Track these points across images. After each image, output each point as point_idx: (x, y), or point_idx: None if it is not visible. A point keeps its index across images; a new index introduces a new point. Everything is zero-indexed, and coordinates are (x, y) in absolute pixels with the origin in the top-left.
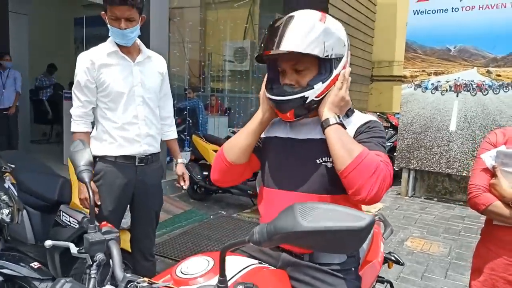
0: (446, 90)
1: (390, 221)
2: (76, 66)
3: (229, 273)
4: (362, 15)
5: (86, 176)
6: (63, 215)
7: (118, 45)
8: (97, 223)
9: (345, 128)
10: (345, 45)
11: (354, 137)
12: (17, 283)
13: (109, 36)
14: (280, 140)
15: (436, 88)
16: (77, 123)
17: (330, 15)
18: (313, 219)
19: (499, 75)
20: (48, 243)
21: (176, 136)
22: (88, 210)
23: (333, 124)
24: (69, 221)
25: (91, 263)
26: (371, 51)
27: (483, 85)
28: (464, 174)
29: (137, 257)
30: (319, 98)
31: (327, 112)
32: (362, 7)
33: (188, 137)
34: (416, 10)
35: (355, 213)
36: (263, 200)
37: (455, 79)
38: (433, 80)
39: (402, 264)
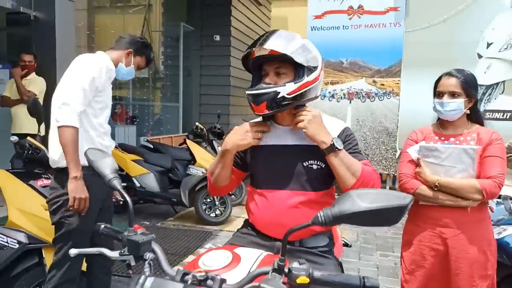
0: (341, 98)
1: None
2: (89, 62)
3: (248, 262)
4: (258, 27)
5: (117, 183)
6: None
7: None
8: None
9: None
10: (318, 62)
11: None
12: None
13: None
14: (270, 148)
15: (332, 96)
16: (75, 119)
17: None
18: (370, 201)
19: (383, 85)
20: (73, 251)
21: None
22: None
23: (332, 151)
24: (7, 242)
25: (134, 263)
26: None
27: (371, 93)
28: None
29: (96, 272)
30: (290, 96)
31: (322, 141)
32: (258, 20)
33: None
34: (313, 27)
35: (398, 194)
36: (255, 199)
37: (348, 88)
38: (330, 89)
39: (350, 246)
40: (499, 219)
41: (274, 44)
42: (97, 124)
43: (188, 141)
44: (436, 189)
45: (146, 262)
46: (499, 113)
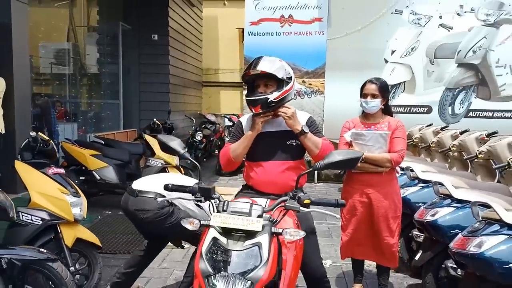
0: None
1: None
2: None
3: (262, 203)
4: (192, 27)
5: (188, 155)
6: (22, 215)
7: None
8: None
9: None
10: (291, 75)
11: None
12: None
13: None
14: (263, 133)
15: None
16: None
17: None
18: (342, 156)
19: (310, 84)
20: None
21: None
22: None
23: (304, 133)
24: (31, 220)
25: (204, 202)
26: (201, 59)
27: (301, 91)
28: None
29: None
30: (275, 100)
31: (297, 127)
32: (191, 20)
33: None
34: (250, 32)
35: (355, 152)
36: (253, 169)
37: None
38: None
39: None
40: (403, 183)
41: (263, 66)
42: None
43: (146, 135)
44: (362, 161)
45: (216, 198)
46: (401, 108)
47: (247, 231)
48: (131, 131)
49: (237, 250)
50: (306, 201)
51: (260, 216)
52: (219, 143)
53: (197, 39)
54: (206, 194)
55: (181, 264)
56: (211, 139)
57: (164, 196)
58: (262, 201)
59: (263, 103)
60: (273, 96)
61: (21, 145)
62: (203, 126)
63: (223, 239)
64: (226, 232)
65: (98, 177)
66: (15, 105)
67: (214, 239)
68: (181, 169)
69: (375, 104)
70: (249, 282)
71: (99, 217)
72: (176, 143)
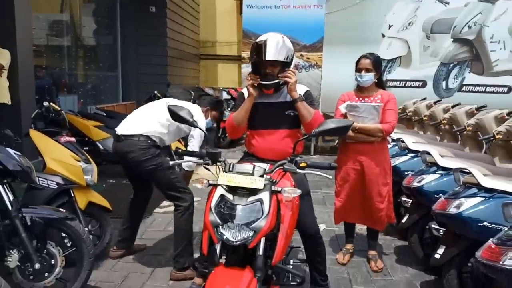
0: None
1: None
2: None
3: (263, 166)
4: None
5: (196, 123)
6: (39, 180)
7: None
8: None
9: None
10: (292, 52)
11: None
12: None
13: None
14: (260, 104)
15: None
16: None
17: None
18: (334, 124)
19: (308, 58)
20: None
21: None
22: None
23: (300, 100)
24: (47, 184)
25: (212, 165)
26: (198, 32)
27: (299, 65)
28: None
29: None
30: (283, 82)
31: (295, 94)
32: None
33: None
34: (249, 5)
35: (346, 120)
36: (255, 137)
37: None
38: None
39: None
40: (395, 153)
41: (271, 55)
42: None
43: None
44: (356, 131)
45: (223, 162)
46: (397, 82)
47: (250, 188)
48: (130, 103)
49: (242, 205)
50: (303, 164)
51: (261, 176)
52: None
53: (194, 11)
54: (213, 158)
55: None
56: None
57: (148, 137)
58: (263, 165)
59: (275, 86)
60: (283, 74)
61: (31, 115)
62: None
63: (229, 196)
64: (232, 189)
65: (101, 148)
66: (19, 77)
67: (222, 196)
68: (181, 140)
69: (369, 78)
70: (252, 231)
71: (104, 185)
72: (185, 112)
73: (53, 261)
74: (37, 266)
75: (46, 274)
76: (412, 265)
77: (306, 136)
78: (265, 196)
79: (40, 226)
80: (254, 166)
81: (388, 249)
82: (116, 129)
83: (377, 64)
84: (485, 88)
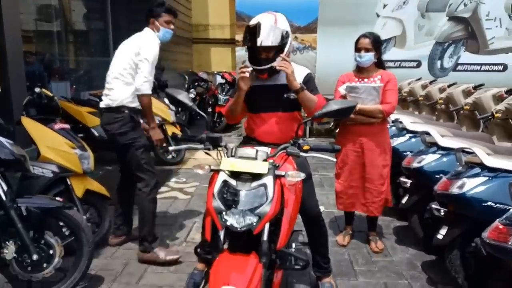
0: None
1: None
2: (151, 47)
3: (265, 150)
4: None
5: (196, 107)
6: (34, 168)
7: None
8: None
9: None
10: (288, 33)
11: (304, 82)
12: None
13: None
14: (259, 87)
15: None
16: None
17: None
18: (338, 105)
19: (303, 40)
20: (172, 148)
21: None
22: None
23: (301, 91)
24: (42, 172)
25: (212, 150)
26: (190, 15)
27: (294, 47)
28: None
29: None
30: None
31: (295, 84)
32: None
33: None
34: None
35: (350, 101)
36: (255, 120)
37: None
38: None
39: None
40: (393, 134)
41: (265, 40)
42: None
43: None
44: (356, 113)
45: (224, 146)
46: (391, 62)
47: (254, 173)
48: None
49: (245, 190)
50: (305, 147)
51: (265, 161)
52: (212, 100)
53: None
54: (214, 142)
55: (184, 212)
56: (204, 97)
57: (123, 106)
58: (265, 149)
59: (269, 70)
60: (277, 62)
61: (22, 102)
62: (196, 84)
63: (232, 181)
64: (235, 175)
65: (96, 134)
66: (8, 63)
67: (225, 182)
68: (177, 125)
69: (369, 57)
70: (257, 217)
71: (100, 172)
72: (184, 96)
73: (51, 251)
74: (34, 257)
75: (44, 265)
76: (412, 246)
77: (308, 119)
78: (269, 180)
79: (36, 216)
80: (257, 150)
81: (387, 229)
82: None
83: (377, 44)
84: (481, 67)
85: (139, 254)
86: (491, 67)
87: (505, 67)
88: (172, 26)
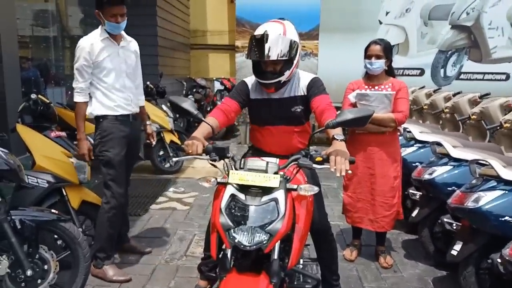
0: None
1: None
2: (77, 51)
3: (274, 161)
4: None
5: (201, 116)
6: (28, 178)
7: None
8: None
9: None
10: (297, 43)
11: (307, 90)
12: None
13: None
14: (265, 101)
15: None
16: (80, 95)
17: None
18: (353, 114)
19: (304, 47)
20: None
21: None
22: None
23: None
24: (37, 182)
25: (219, 161)
26: (188, 21)
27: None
28: None
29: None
30: (287, 79)
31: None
32: None
33: None
34: None
35: (366, 109)
36: (261, 133)
37: None
38: None
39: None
40: (401, 144)
41: (270, 55)
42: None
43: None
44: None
45: (231, 158)
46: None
47: (264, 187)
48: None
49: (255, 205)
50: (318, 159)
51: (276, 173)
52: (211, 107)
53: None
54: (220, 153)
55: (183, 224)
56: (202, 103)
57: (96, 116)
58: (273, 160)
59: (277, 85)
60: (285, 76)
61: (17, 109)
62: (194, 90)
63: (241, 195)
64: (243, 188)
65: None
66: (3, 68)
67: (232, 196)
68: (175, 133)
69: (379, 65)
70: (267, 234)
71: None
72: (188, 104)
73: (46, 267)
74: (29, 272)
75: (39, 281)
76: (422, 260)
77: (322, 128)
78: (280, 195)
79: (31, 229)
80: (268, 162)
81: (396, 243)
82: None
83: (388, 50)
84: (484, 76)
85: (92, 267)
86: (494, 76)
87: (508, 76)
88: (119, 19)
